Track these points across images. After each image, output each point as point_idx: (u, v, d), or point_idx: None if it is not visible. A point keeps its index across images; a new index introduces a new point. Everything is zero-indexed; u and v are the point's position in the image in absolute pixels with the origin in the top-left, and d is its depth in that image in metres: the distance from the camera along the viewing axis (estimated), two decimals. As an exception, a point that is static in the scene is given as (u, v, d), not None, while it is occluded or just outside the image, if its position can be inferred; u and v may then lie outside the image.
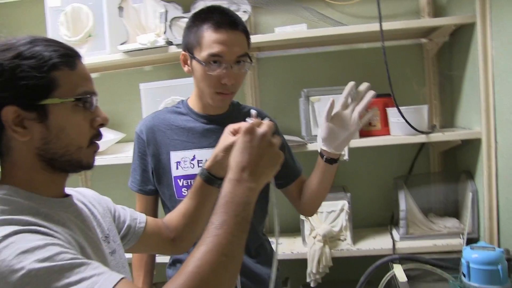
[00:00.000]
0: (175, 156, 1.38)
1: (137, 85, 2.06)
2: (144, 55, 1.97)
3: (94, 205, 1.01)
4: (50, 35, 2.08)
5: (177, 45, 1.94)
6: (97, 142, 0.90)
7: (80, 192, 1.02)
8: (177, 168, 1.37)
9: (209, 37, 1.28)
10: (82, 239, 0.83)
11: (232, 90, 1.34)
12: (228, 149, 1.06)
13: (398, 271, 1.26)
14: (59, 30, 2.04)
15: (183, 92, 1.97)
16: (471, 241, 1.85)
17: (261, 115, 1.52)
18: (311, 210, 1.54)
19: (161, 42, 1.94)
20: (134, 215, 1.15)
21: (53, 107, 0.81)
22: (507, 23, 1.56)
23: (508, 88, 1.58)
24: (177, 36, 1.95)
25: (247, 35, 1.35)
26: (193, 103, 1.43)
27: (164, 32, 1.96)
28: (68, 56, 0.84)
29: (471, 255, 1.21)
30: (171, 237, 1.20)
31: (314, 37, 1.93)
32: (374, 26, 1.80)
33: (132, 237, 1.13)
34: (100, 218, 1.00)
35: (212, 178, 1.14)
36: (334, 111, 1.34)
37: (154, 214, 1.50)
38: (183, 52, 1.38)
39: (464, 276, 1.22)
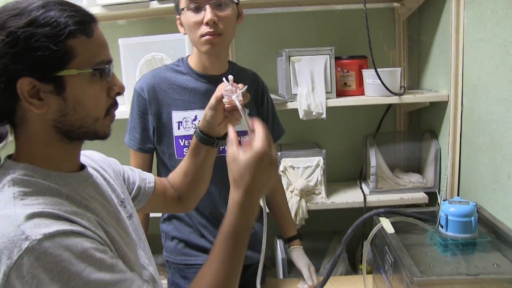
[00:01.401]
0: (176, 116, 1.41)
1: (113, 40, 2.01)
2: (124, 9, 1.93)
3: (105, 170, 1.00)
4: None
5: (159, 0, 1.91)
6: (113, 111, 0.87)
7: (89, 157, 1.00)
8: (178, 128, 1.41)
9: None
10: (105, 218, 0.83)
11: (218, 32, 1.37)
12: (214, 108, 1.10)
13: (386, 224, 1.39)
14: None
15: (163, 48, 1.95)
16: (432, 194, 2.05)
17: (257, 78, 1.58)
18: None
19: (142, -4, 1.90)
20: (143, 176, 1.15)
21: (70, 78, 0.76)
22: (480, -6, 1.68)
23: (477, 56, 1.71)
24: (158, -10, 1.92)
25: None
26: (194, 63, 1.45)
27: (145, -14, 1.92)
28: (85, 23, 0.78)
29: (449, 209, 1.35)
30: (176, 196, 1.22)
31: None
32: (356, -10, 1.86)
33: (142, 198, 1.13)
34: (113, 183, 0.99)
35: (205, 137, 1.15)
36: None
37: (149, 172, 1.53)
38: (177, 16, 1.42)
39: (442, 227, 1.38)
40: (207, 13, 1.33)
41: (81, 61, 0.77)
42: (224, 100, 1.07)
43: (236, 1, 1.41)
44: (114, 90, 0.84)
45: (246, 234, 0.87)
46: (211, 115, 1.11)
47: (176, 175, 1.22)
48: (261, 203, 1.67)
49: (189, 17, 1.35)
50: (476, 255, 1.28)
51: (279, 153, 2.06)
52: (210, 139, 1.14)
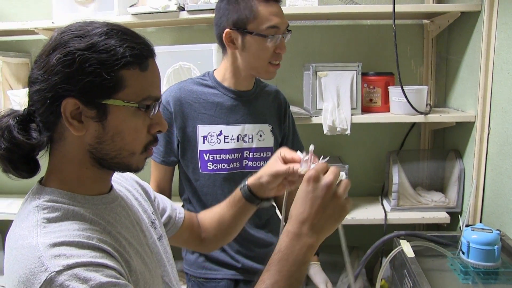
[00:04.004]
0: (202, 130, 1.42)
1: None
2: (154, 18, 1.96)
3: (137, 190, 1.00)
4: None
5: (189, 11, 1.93)
6: (151, 148, 0.85)
7: (122, 175, 1.00)
8: (203, 143, 1.42)
9: (265, 10, 1.34)
10: (127, 244, 0.81)
11: (281, 60, 1.44)
12: (275, 176, 1.04)
13: (406, 247, 1.38)
14: (64, -14, 1.99)
15: (191, 58, 1.98)
16: (454, 214, 2.03)
17: (279, 95, 1.60)
18: None
19: (173, 7, 1.93)
20: (174, 206, 1.14)
21: (114, 108, 0.76)
22: (514, 16, 1.65)
23: (507, 79, 1.69)
24: (188, 1, 1.94)
25: None
26: (222, 77, 1.46)
27: (176, -3, 1.94)
28: (142, 57, 0.78)
29: (471, 236, 1.35)
30: (201, 236, 1.18)
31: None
32: (386, 7, 1.85)
33: (171, 228, 1.11)
34: (144, 204, 0.99)
35: (251, 196, 1.11)
36: None
37: (170, 184, 1.54)
38: (229, 30, 1.37)
39: (463, 253, 1.37)
40: (283, 45, 1.40)
41: (129, 93, 0.77)
42: (301, 169, 1.00)
43: None
44: (155, 127, 0.83)
45: (294, 268, 0.78)
46: (269, 180, 1.06)
47: (208, 217, 1.19)
48: (279, 215, 1.69)
49: (266, 43, 1.36)
50: (499, 286, 1.27)
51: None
52: (256, 199, 1.12)
